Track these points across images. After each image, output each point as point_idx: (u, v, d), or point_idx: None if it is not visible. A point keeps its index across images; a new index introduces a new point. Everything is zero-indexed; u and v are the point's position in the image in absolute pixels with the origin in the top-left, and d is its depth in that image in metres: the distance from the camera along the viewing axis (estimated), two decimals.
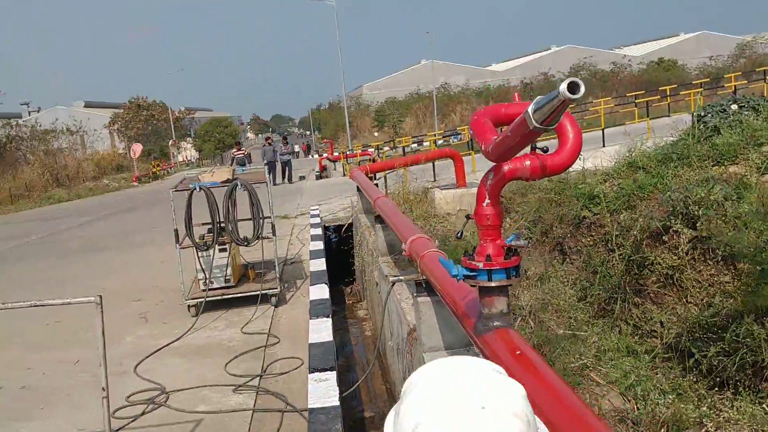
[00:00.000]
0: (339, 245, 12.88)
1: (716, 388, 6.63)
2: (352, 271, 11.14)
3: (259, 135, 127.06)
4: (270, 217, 7.69)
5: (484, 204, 3.38)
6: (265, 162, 24.76)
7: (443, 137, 33.07)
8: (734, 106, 10.16)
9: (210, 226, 7.30)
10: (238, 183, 7.18)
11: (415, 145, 30.79)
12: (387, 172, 15.31)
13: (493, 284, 3.33)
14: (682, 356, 7.30)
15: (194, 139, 55.88)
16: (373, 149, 30.19)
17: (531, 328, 6.42)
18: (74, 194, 29.04)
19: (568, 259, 10.07)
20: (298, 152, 62.79)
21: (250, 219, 7.34)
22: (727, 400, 5.80)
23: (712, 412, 5.28)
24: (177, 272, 7.44)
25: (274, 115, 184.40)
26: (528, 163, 3.26)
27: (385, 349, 8.11)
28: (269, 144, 25.76)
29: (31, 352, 6.62)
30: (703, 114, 10.60)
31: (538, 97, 2.59)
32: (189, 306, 7.32)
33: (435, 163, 16.85)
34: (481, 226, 3.39)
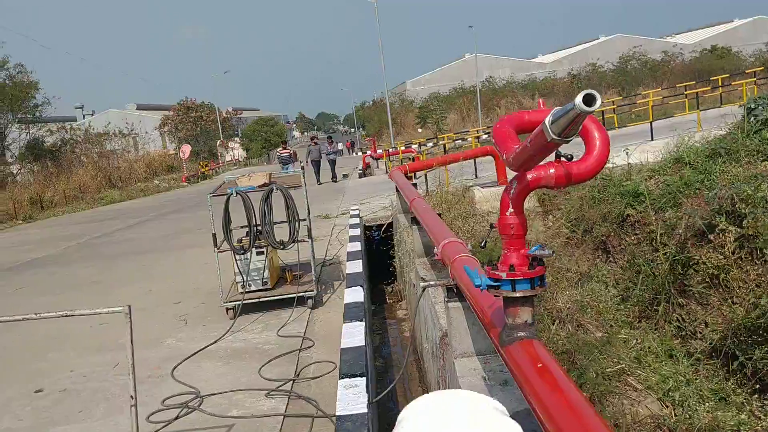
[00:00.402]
0: (381, 244, 12.89)
1: (761, 393, 6.40)
2: (392, 270, 11.13)
3: (305, 133, 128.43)
4: (306, 220, 7.74)
5: (508, 213, 3.32)
6: (311, 161, 24.99)
7: (486, 132, 32.74)
8: None
9: (248, 230, 7.39)
10: (274, 187, 7.24)
11: (460, 141, 30.57)
12: (427, 170, 15.25)
13: (516, 294, 3.26)
14: (726, 359, 7.05)
15: (242, 139, 56.82)
16: (416, 146, 30.12)
17: (568, 331, 6.30)
18: (126, 195, 29.92)
19: (611, 259, 9.84)
20: (342, 150, 63.14)
21: (286, 222, 7.40)
22: None
23: (751, 419, 5.07)
24: (215, 275, 7.57)
25: (319, 113, 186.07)
26: (552, 171, 3.17)
27: (422, 351, 8.09)
28: (315, 143, 25.95)
29: (75, 355, 6.84)
30: (753, 106, 10.18)
31: (555, 108, 2.53)
32: (227, 309, 7.44)
33: (476, 160, 16.71)
34: (505, 235, 3.32)
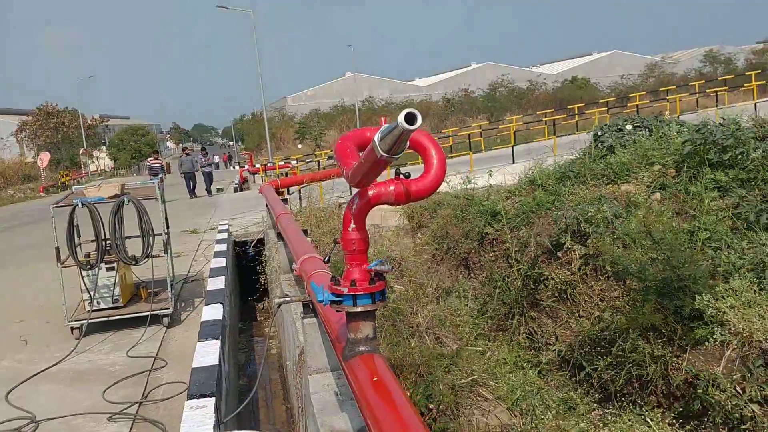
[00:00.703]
0: (253, 260, 12.62)
1: (606, 401, 6.87)
2: (258, 287, 10.91)
3: (180, 144, 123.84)
4: (161, 234, 7.40)
5: (350, 229, 3.32)
6: (182, 173, 24.04)
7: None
8: (629, 126, 10.65)
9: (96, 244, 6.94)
10: (126, 199, 6.87)
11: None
12: (302, 186, 15.17)
13: (358, 309, 3.27)
14: (575, 369, 7.52)
15: (109, 148, 53.76)
16: (294, 162, 29.92)
17: (425, 344, 6.44)
18: None
19: (471, 274, 10.23)
20: (218, 163, 61.34)
21: (139, 236, 7.03)
22: (610, 415, 5.99)
23: (591, 427, 5.41)
24: (59, 292, 7.04)
25: (195, 125, 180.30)
26: (392, 188, 3.22)
27: (286, 368, 7.96)
28: (187, 154, 25.00)
29: None
30: (600, 133, 11.05)
31: (384, 126, 2.58)
32: (72, 328, 6.93)
33: None
34: (347, 251, 3.32)
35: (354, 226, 3.29)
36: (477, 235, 10.00)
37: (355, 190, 3.30)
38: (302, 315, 5.13)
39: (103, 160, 51.69)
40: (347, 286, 3.23)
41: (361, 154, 3.36)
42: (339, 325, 3.76)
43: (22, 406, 5.32)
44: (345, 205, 11.50)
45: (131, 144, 51.79)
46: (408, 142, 2.69)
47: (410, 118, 2.26)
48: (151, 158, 26.38)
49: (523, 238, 8.93)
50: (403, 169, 3.21)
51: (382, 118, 3.73)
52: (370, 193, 3.21)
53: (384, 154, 2.50)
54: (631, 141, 10.36)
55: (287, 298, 5.43)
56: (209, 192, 25.01)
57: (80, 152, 44.33)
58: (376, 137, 2.51)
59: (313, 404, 4.39)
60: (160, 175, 22.95)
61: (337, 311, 3.37)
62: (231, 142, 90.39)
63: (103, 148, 53.74)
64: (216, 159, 62.04)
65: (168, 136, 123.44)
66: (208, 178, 25.37)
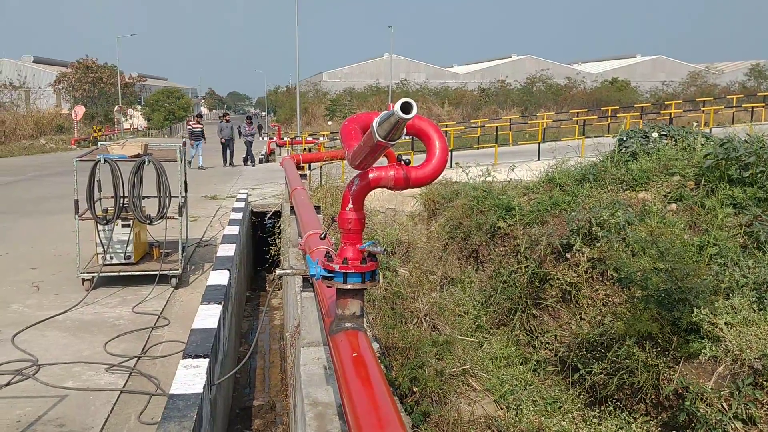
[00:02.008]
0: (269, 232, 12.80)
1: (596, 405, 6.92)
2: (268, 257, 11.07)
3: (214, 110, 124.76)
4: (178, 197, 7.58)
5: (347, 208, 3.41)
6: (223, 140, 23.44)
7: None
8: (655, 134, 10.54)
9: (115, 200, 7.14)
10: (146, 159, 7.04)
11: None
12: (324, 162, 15.26)
13: (348, 287, 3.36)
14: (569, 370, 7.57)
15: (144, 108, 54.35)
16: (321, 138, 30.00)
17: (422, 330, 6.55)
18: (7, 152, 27.97)
19: (480, 267, 10.29)
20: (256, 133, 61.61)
21: (156, 197, 7.21)
22: (595, 418, 6.05)
23: (572, 426, 5.48)
24: (74, 243, 7.27)
25: (230, 92, 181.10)
26: (392, 173, 3.30)
27: (286, 339, 8.13)
28: (227, 121, 24.27)
29: None
30: (625, 138, 10.95)
31: (383, 112, 2.66)
32: (83, 279, 7.15)
33: None
34: (343, 229, 3.42)
35: (352, 206, 3.38)
36: (489, 228, 10.05)
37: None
38: (301, 288, 5.25)
39: (137, 119, 52.29)
40: (339, 263, 3.33)
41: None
42: (330, 301, 3.86)
43: (27, 349, 5.53)
44: None
45: (166, 105, 52.28)
46: (405, 130, 2.77)
47: (406, 108, 2.34)
48: (192, 121, 24.77)
49: (534, 236, 8.96)
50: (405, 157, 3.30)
51: (391, 105, 3.80)
52: (371, 176, 3.29)
53: (381, 139, 2.58)
54: (655, 149, 10.26)
55: (288, 271, 5.54)
56: (252, 162, 24.40)
57: (115, 109, 44.89)
58: (375, 122, 2.60)
59: (301, 375, 4.53)
60: (202, 141, 22.51)
61: (328, 287, 3.47)
62: (263, 113, 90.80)
63: (138, 107, 54.35)
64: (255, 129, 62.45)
65: (202, 101, 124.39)
66: (249, 147, 24.65)
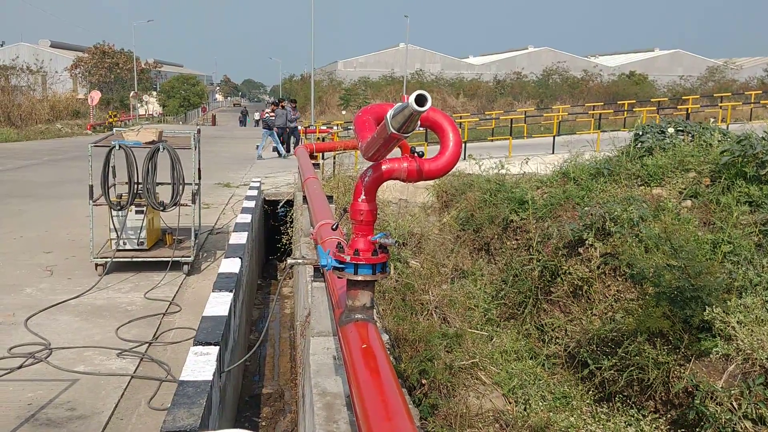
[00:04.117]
0: (282, 220, 12.84)
1: (605, 401, 6.90)
2: (279, 246, 11.11)
3: (228, 98, 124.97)
4: (192, 184, 7.61)
5: (360, 200, 3.41)
6: (277, 128, 21.76)
7: None
8: (671, 130, 10.43)
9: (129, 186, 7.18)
10: (161, 146, 7.07)
11: None
12: (338, 152, 15.27)
13: (358, 278, 3.37)
14: (579, 365, 7.55)
15: (159, 94, 54.58)
16: (335, 127, 29.98)
17: (432, 321, 6.55)
18: (24, 135, 28.19)
19: (492, 260, 10.27)
20: (259, 120, 61.59)
21: (170, 183, 7.25)
22: (603, 414, 6.03)
23: (581, 422, 5.47)
24: (88, 229, 7.33)
25: (245, 80, 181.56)
26: (405, 165, 3.30)
27: (296, 328, 8.16)
28: (283, 107, 22.11)
29: None
30: (641, 133, 10.85)
31: (398, 104, 2.65)
32: (96, 265, 7.21)
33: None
34: (355, 221, 3.42)
35: (364, 197, 3.38)
36: (502, 221, 10.01)
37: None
38: (312, 278, 5.26)
39: (152, 105, 52.56)
40: (350, 254, 3.33)
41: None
42: (341, 292, 3.87)
43: (39, 332, 5.60)
44: None
45: (181, 92, 52.49)
46: (419, 122, 2.76)
47: (420, 100, 2.34)
48: (268, 109, 22.30)
49: (546, 230, 8.91)
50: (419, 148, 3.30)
51: (405, 96, 3.79)
52: (384, 167, 3.29)
53: (395, 131, 2.58)
54: (671, 145, 10.16)
55: (299, 260, 5.56)
56: (288, 151, 22.04)
57: (131, 95, 45.13)
58: (389, 114, 2.59)
59: (310, 365, 4.54)
60: (274, 131, 21.12)
61: (339, 278, 3.48)
62: (278, 101, 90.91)
63: (154, 93, 54.58)
64: (256, 116, 62.53)
65: (218, 88, 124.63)
66: (296, 136, 22.21)
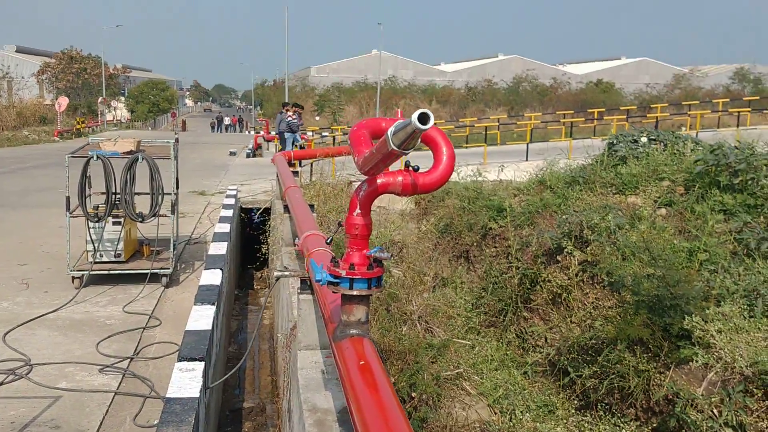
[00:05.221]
0: (257, 229, 12.72)
1: (585, 409, 6.96)
2: (259, 255, 11.02)
3: (198, 103, 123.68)
4: (171, 194, 7.50)
5: (355, 214, 3.41)
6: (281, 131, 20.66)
7: None
8: (644, 139, 10.62)
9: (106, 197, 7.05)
10: (140, 156, 6.96)
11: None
12: (315, 160, 15.21)
13: (354, 293, 3.36)
14: (559, 373, 7.61)
15: (127, 99, 53.78)
16: (310, 134, 29.89)
17: (416, 332, 6.53)
18: None
19: (471, 267, 10.31)
20: (229, 125, 61.13)
21: (149, 194, 7.13)
22: (587, 423, 6.09)
23: None
24: (65, 241, 7.17)
25: (216, 85, 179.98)
26: (400, 179, 3.30)
27: (277, 341, 8.09)
28: (286, 111, 21.03)
29: None
30: (614, 142, 11.03)
31: (399, 121, 2.65)
32: (73, 277, 7.06)
33: None
34: (350, 235, 3.41)
35: (359, 211, 3.37)
36: (481, 228, 10.06)
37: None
38: (299, 290, 5.21)
39: (120, 110, 51.74)
40: (346, 269, 3.32)
41: (374, 142, 3.44)
42: (333, 306, 3.85)
43: (18, 348, 5.47)
44: (355, 184, 11.57)
45: (150, 97, 51.79)
46: (420, 138, 2.77)
47: (423, 119, 2.34)
48: (289, 112, 20.78)
49: (525, 238, 8.99)
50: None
51: (399, 111, 3.80)
52: (379, 181, 3.28)
53: (395, 148, 2.58)
54: (644, 153, 10.34)
55: (286, 272, 5.52)
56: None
57: (99, 100, 44.39)
58: (390, 131, 2.59)
59: (298, 380, 4.50)
60: (297, 134, 20.01)
61: (334, 292, 3.46)
62: (250, 107, 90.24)
63: (122, 98, 53.77)
64: (227, 121, 62.06)
65: (187, 93, 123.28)
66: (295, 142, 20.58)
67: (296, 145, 19.61)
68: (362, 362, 3.11)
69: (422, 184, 3.31)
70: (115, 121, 48.86)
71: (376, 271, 3.36)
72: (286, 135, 20.17)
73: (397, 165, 3.19)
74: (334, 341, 3.51)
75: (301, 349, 5.03)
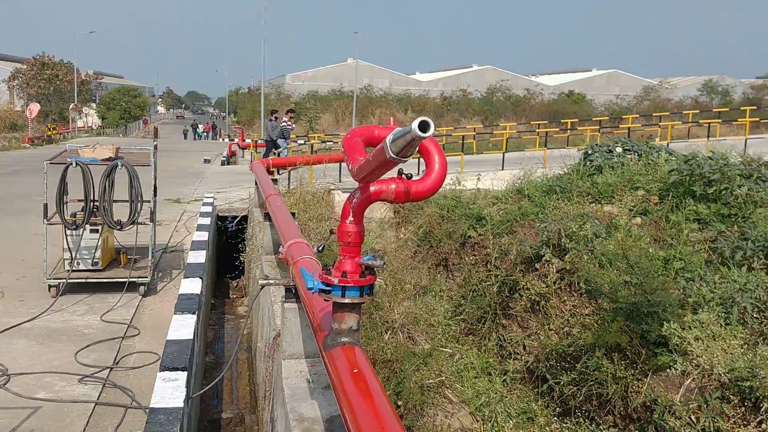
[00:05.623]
0: (233, 237, 12.61)
1: (564, 416, 7.03)
2: (238, 264, 10.93)
3: (171, 110, 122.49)
4: (150, 201, 7.42)
5: (348, 221, 3.40)
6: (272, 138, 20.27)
7: None
8: (619, 149, 10.81)
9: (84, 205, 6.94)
10: (119, 163, 6.87)
11: (330, 143, 30.66)
12: (291, 168, 15.14)
13: (345, 301, 3.35)
14: (538, 380, 7.67)
15: (99, 106, 53.02)
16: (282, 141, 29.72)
17: (398, 341, 6.54)
18: None
19: (450, 275, 10.37)
20: (202, 133, 60.54)
21: (128, 201, 7.04)
22: (567, 430, 6.15)
23: None
24: (42, 248, 7.04)
25: (189, 92, 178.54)
26: (393, 186, 3.30)
27: (255, 350, 8.01)
28: (276, 119, 20.80)
29: None
30: (590, 152, 11.21)
31: (396, 129, 2.66)
32: (50, 286, 6.93)
33: (342, 164, 16.81)
34: (342, 242, 3.40)
35: (352, 219, 3.37)
36: (460, 237, 10.13)
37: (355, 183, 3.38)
38: (284, 299, 5.18)
39: (91, 117, 50.97)
40: (338, 276, 3.31)
41: (368, 150, 3.45)
42: (323, 314, 3.83)
43: None
44: (335, 192, 11.51)
45: (121, 104, 51.15)
46: (417, 147, 2.78)
47: (424, 126, 2.34)
48: (285, 117, 20.42)
49: (504, 246, 9.07)
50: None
51: (391, 119, 3.82)
52: (372, 189, 3.28)
53: (394, 156, 2.58)
54: (619, 163, 10.53)
55: (271, 281, 5.49)
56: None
57: (70, 107, 43.67)
58: (388, 139, 2.59)
59: (284, 389, 4.47)
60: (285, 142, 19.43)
61: (325, 300, 3.44)
62: (224, 114, 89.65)
63: (93, 105, 52.99)
64: (200, 128, 61.53)
65: (160, 100, 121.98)
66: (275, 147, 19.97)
67: (275, 153, 19.46)
68: (356, 371, 3.10)
69: (415, 191, 3.32)
70: (86, 128, 48.11)
71: (369, 278, 3.36)
72: (280, 142, 19.82)
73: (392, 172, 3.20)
74: (325, 349, 3.50)
75: (286, 359, 5.00)
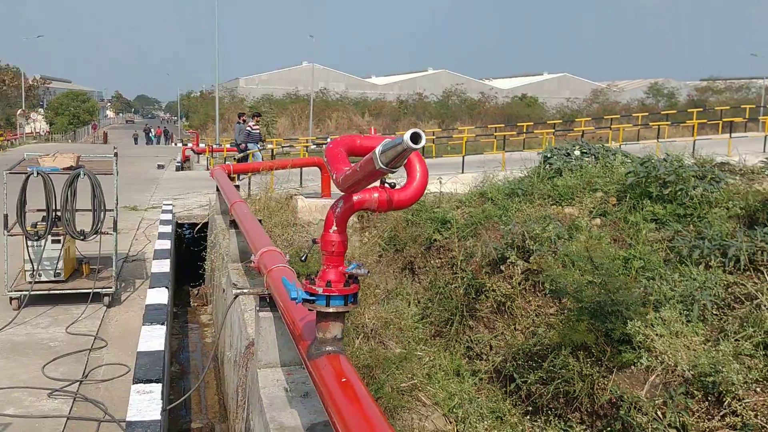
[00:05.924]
0: (192, 244, 12.42)
1: (533, 414, 7.17)
2: (202, 272, 10.78)
3: (120, 114, 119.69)
4: (113, 210, 7.27)
5: (331, 231, 3.43)
6: (242, 144, 19.79)
7: (316, 143, 32.98)
8: (577, 152, 11.09)
9: (45, 215, 6.75)
10: (81, 172, 6.72)
11: (288, 147, 30.50)
12: (252, 174, 15.00)
13: (330, 310, 3.37)
14: (506, 380, 7.81)
15: (46, 111, 51.48)
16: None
17: (371, 346, 6.57)
18: None
19: (416, 279, 10.45)
20: (153, 137, 59.37)
21: (90, 210, 6.88)
22: (538, 428, 6.28)
23: None
24: (2, 260, 6.82)
25: (139, 96, 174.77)
26: (376, 195, 3.33)
27: (223, 359, 7.92)
28: (243, 122, 20.14)
29: None
30: (549, 155, 11.46)
31: (387, 139, 2.69)
32: (11, 298, 6.72)
33: (303, 169, 16.74)
34: (326, 252, 3.42)
35: (336, 228, 3.40)
36: (425, 240, 10.22)
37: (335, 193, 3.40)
38: (258, 308, 5.15)
39: (39, 123, 49.43)
40: (322, 286, 3.32)
41: (350, 159, 3.47)
42: (304, 323, 3.84)
43: None
44: (297, 198, 11.46)
45: (70, 109, 49.76)
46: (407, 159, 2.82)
47: (415, 138, 2.37)
48: (252, 121, 19.75)
49: (469, 248, 9.20)
50: None
51: (373, 128, 3.85)
52: (355, 198, 3.31)
53: (383, 167, 2.61)
54: (578, 166, 10.80)
55: (245, 290, 5.45)
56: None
57: (18, 112, 42.27)
58: (378, 150, 2.61)
59: (261, 399, 4.45)
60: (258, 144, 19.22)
61: (309, 310, 3.45)
62: (174, 118, 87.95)
63: (41, 110, 51.42)
64: (151, 133, 60.30)
65: (109, 104, 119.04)
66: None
67: (235, 159, 19.21)
68: (344, 379, 3.13)
69: (398, 200, 3.36)
70: (34, 134, 46.62)
71: (353, 287, 3.40)
72: (249, 145, 19.51)
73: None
74: (309, 359, 3.51)
75: (261, 368, 4.98)
